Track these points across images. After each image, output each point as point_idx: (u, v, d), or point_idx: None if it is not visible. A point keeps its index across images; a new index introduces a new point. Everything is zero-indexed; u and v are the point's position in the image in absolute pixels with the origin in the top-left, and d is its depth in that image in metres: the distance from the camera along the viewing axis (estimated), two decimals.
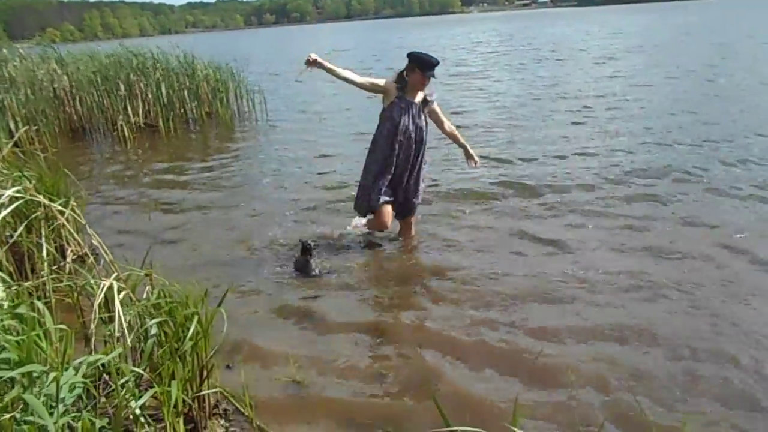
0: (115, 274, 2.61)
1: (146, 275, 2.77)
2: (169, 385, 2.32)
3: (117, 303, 2.35)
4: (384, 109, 4.48)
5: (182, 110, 11.16)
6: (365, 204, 4.63)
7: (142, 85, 10.54)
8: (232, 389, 2.93)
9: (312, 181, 6.72)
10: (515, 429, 1.92)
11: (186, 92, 11.09)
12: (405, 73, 4.40)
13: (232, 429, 2.80)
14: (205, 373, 2.64)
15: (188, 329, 2.47)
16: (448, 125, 4.73)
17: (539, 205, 5.52)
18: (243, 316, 3.79)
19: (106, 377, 2.59)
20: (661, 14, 52.44)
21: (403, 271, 4.38)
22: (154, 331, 2.44)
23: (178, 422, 2.42)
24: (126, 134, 10.02)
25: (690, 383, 2.90)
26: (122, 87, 10.40)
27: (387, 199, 4.55)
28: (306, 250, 4.33)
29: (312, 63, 4.23)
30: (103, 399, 2.45)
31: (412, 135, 4.45)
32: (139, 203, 6.49)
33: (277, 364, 3.28)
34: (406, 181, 4.59)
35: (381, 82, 4.43)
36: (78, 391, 2.01)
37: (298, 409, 2.93)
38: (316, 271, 4.33)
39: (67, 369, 2.00)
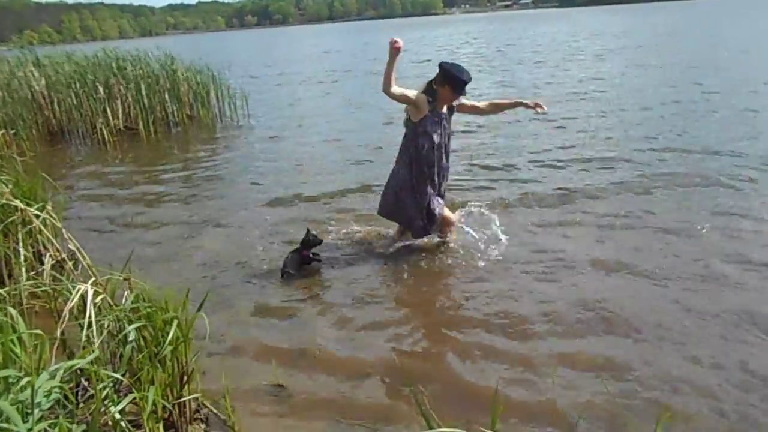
0: (93, 278, 2.59)
1: (125, 279, 2.74)
2: (149, 391, 2.30)
3: (89, 307, 2.32)
4: (416, 123, 4.31)
5: (163, 113, 11.07)
6: (429, 224, 4.52)
7: (121, 87, 10.43)
8: (213, 394, 2.91)
9: (292, 186, 6.67)
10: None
11: (167, 95, 11.00)
12: (435, 84, 4.26)
13: None
14: (185, 378, 2.62)
15: (168, 334, 2.45)
16: (483, 105, 4.61)
17: (518, 208, 5.55)
18: (225, 320, 3.77)
19: (85, 383, 2.56)
20: (642, 15, 53.03)
21: (388, 272, 4.38)
22: (132, 336, 2.42)
23: (158, 428, 2.40)
24: (106, 137, 9.92)
25: (670, 383, 2.93)
26: (101, 89, 10.28)
27: (441, 203, 4.56)
28: (308, 242, 4.40)
29: (396, 49, 4.03)
30: (81, 405, 2.42)
31: (444, 144, 4.42)
32: (119, 207, 6.42)
33: (259, 368, 3.26)
34: (439, 185, 4.55)
35: (412, 94, 4.23)
36: (55, 396, 1.99)
37: (280, 413, 2.91)
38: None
39: (41, 374, 1.97)
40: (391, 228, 4.94)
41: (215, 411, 2.85)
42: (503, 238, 4.64)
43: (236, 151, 8.90)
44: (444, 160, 4.49)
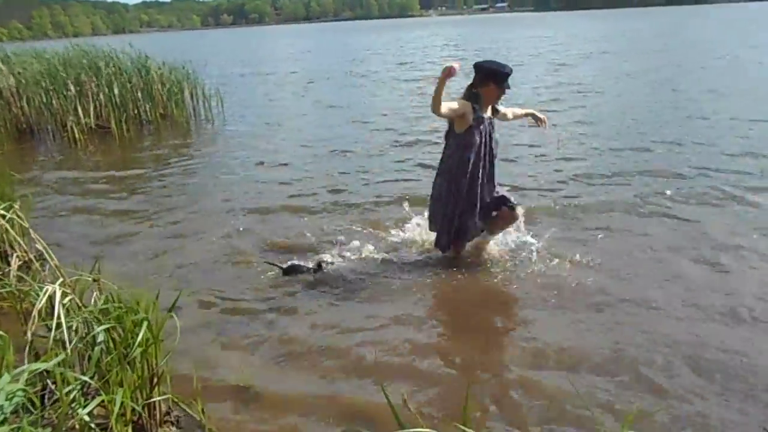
0: (61, 279, 2.54)
1: (94, 280, 2.70)
2: (117, 393, 2.27)
3: (58, 308, 2.28)
4: (460, 134, 4.07)
5: (136, 111, 10.92)
6: (457, 240, 4.35)
7: (93, 85, 10.26)
8: (185, 396, 2.88)
9: (265, 188, 6.63)
10: (465, 428, 1.95)
11: (140, 93, 10.85)
12: (475, 87, 4.05)
13: None
14: (155, 380, 2.59)
15: (138, 335, 2.42)
16: (510, 113, 4.45)
17: None
18: (197, 321, 3.73)
19: (53, 386, 2.51)
20: (616, 20, 53.89)
21: (363, 274, 4.37)
22: (101, 337, 2.38)
23: (126, 431, 2.37)
24: (76, 136, 9.74)
25: (637, 384, 2.99)
26: (72, 87, 10.10)
27: (479, 225, 4.33)
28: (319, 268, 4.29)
29: (449, 73, 3.70)
30: (48, 409, 2.38)
31: (490, 153, 4.19)
32: (90, 207, 6.31)
33: (231, 369, 3.24)
34: (482, 197, 4.26)
35: (456, 105, 3.96)
36: (18, 400, 1.95)
37: (253, 414, 2.90)
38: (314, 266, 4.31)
39: (2, 377, 1.93)
40: (355, 224, 5.04)
41: (187, 412, 2.81)
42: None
43: (210, 152, 8.81)
44: (489, 170, 4.24)
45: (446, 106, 3.87)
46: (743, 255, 4.30)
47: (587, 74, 14.92)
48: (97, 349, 2.35)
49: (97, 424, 2.42)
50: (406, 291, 4.06)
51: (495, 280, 4.13)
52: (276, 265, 4.35)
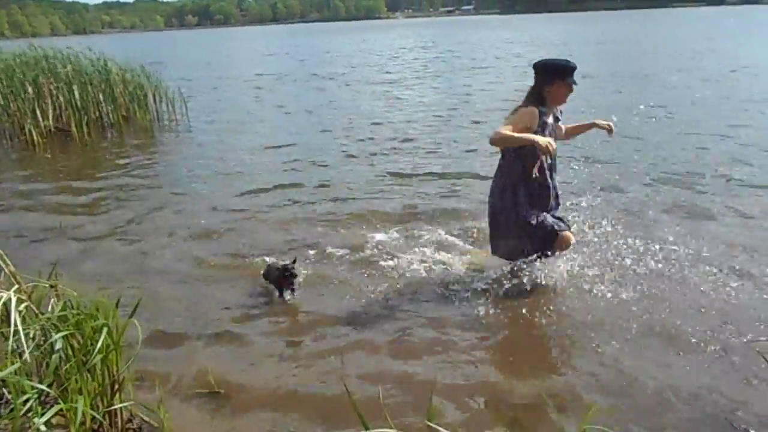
0: (16, 286, 2.48)
1: (52, 287, 2.65)
2: (77, 401, 2.23)
3: (14, 316, 2.23)
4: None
5: (97, 114, 10.71)
6: (539, 245, 3.91)
7: (51, 86, 10.01)
8: (147, 402, 2.84)
9: (228, 192, 6.55)
10: (431, 424, 1.98)
11: (101, 95, 10.64)
12: (540, 88, 3.77)
13: None
14: (116, 387, 2.55)
15: (97, 342, 2.38)
16: (564, 127, 4.16)
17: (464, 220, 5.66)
18: (159, 326, 3.69)
19: (9, 396, 2.46)
20: (580, 23, 54.89)
21: (327, 278, 4.37)
22: (59, 345, 2.34)
23: None
24: (35, 139, 9.49)
25: (596, 383, 3.06)
26: (30, 88, 9.84)
27: (562, 225, 3.96)
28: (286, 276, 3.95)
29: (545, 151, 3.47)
30: (4, 419, 2.32)
31: (554, 159, 3.92)
32: (47, 212, 6.16)
33: (195, 374, 3.20)
34: (548, 205, 3.99)
35: (527, 119, 3.67)
36: None
37: (217, 420, 2.87)
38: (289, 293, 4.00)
39: None
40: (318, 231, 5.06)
41: (148, 420, 2.77)
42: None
43: (173, 157, 8.68)
44: (553, 178, 3.96)
45: (509, 131, 3.56)
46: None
47: None
48: (55, 356, 2.31)
49: None
50: (373, 294, 4.07)
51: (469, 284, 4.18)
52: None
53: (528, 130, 3.63)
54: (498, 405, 2.87)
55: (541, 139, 3.45)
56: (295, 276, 3.92)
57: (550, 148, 3.45)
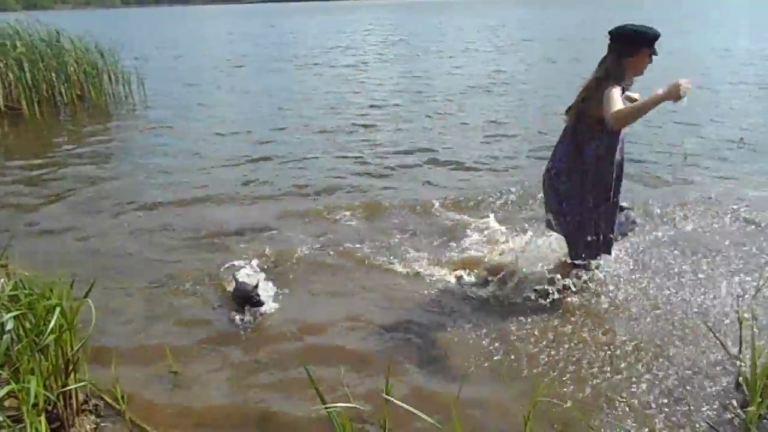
0: None
1: (2, 266, 2.59)
2: (29, 382, 2.20)
3: None
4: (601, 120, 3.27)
5: (50, 92, 10.36)
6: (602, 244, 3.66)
7: (0, 64, 9.63)
8: (104, 383, 2.81)
9: (185, 177, 6.41)
10: (387, 396, 2.02)
11: (54, 73, 10.29)
12: (618, 60, 3.33)
13: (103, 425, 2.70)
14: (70, 368, 2.52)
15: (50, 322, 2.34)
16: (637, 95, 3.65)
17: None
18: (116, 308, 3.65)
19: None
20: (548, 7, 55.21)
21: (297, 262, 4.37)
22: (10, 325, 2.30)
23: (39, 421, 2.29)
24: None
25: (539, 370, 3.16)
26: None
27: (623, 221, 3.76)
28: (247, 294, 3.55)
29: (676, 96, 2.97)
30: None
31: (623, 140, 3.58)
32: None
33: (152, 356, 3.19)
34: (617, 194, 3.65)
35: (618, 96, 3.20)
36: None
37: (175, 400, 2.87)
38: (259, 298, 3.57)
39: None
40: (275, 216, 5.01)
41: (106, 400, 2.75)
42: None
43: (129, 138, 8.44)
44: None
45: (620, 104, 3.17)
46: None
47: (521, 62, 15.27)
48: (6, 337, 2.27)
49: (9, 416, 2.34)
50: (332, 277, 4.11)
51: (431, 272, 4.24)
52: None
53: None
54: (452, 380, 2.93)
55: (670, 92, 2.99)
56: (261, 305, 3.56)
57: (685, 86, 2.96)
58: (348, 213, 5.15)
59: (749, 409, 2.38)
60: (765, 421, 2.59)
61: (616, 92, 3.21)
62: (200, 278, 4.06)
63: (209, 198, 5.67)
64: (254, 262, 4.12)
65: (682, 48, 15.53)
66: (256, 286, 3.57)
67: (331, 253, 4.41)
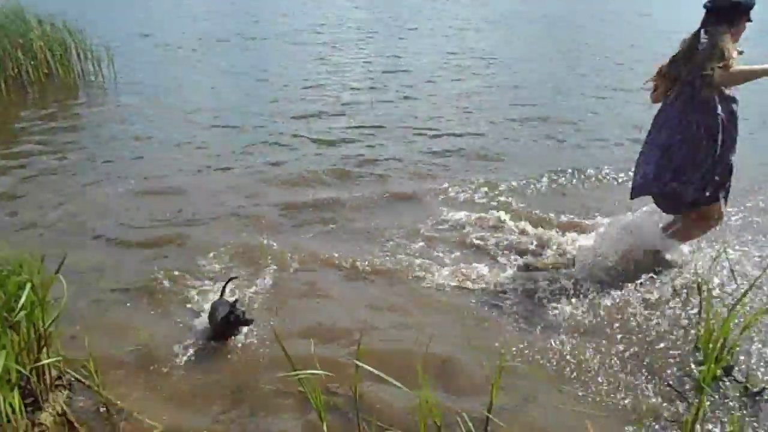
0: None
1: None
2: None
3: None
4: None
5: (16, 70, 10.09)
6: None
7: None
8: (78, 359, 2.83)
9: (158, 154, 6.40)
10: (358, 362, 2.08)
11: (19, 51, 10.01)
12: (726, 28, 3.36)
13: (76, 399, 2.72)
14: (43, 344, 2.53)
15: (21, 298, 2.35)
16: None
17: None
18: (89, 285, 3.65)
19: None
20: None
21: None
22: None
23: (12, 396, 2.31)
24: None
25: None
26: None
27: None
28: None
29: None
30: None
31: None
32: None
33: (125, 331, 3.21)
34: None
35: (735, 52, 3.31)
36: None
37: (147, 376, 2.90)
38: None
39: None
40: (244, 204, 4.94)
41: (78, 376, 2.77)
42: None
43: (98, 120, 8.13)
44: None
45: (739, 66, 3.28)
46: None
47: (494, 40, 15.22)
48: None
49: None
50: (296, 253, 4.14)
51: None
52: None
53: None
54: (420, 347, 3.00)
55: None
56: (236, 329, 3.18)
57: None
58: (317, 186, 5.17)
59: (702, 368, 2.49)
60: (721, 381, 2.73)
61: (729, 45, 3.29)
62: (171, 259, 4.06)
63: (179, 181, 5.61)
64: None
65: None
66: (235, 303, 3.13)
67: (308, 232, 4.44)
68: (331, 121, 7.76)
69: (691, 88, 3.44)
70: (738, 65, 3.27)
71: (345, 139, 6.86)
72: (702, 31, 3.43)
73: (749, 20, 3.41)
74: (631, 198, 3.82)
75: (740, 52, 3.37)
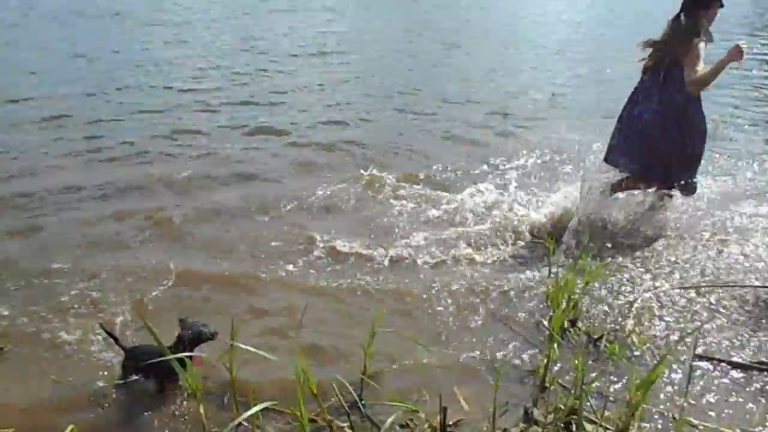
0: None
1: None
2: None
3: None
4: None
5: None
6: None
7: None
8: None
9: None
10: (233, 342, 2.07)
11: None
12: (695, 15, 3.80)
13: None
14: None
15: None
16: None
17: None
18: None
19: None
20: None
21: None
22: None
23: None
24: None
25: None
26: None
27: None
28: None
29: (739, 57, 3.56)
30: None
31: None
32: None
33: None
34: None
35: (702, 54, 3.72)
36: None
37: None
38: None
39: None
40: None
41: None
42: None
43: None
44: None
45: (702, 70, 3.67)
46: None
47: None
48: None
49: None
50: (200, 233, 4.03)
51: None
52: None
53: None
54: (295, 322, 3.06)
55: (732, 53, 3.54)
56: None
57: (742, 48, 3.55)
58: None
59: (551, 315, 2.79)
60: (568, 331, 3.04)
61: (699, 50, 3.67)
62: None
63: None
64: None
65: None
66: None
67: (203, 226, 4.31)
68: (188, 106, 7.31)
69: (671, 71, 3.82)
70: (704, 67, 3.67)
71: (208, 128, 6.64)
72: (682, 14, 3.84)
73: (722, 5, 3.83)
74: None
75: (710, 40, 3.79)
